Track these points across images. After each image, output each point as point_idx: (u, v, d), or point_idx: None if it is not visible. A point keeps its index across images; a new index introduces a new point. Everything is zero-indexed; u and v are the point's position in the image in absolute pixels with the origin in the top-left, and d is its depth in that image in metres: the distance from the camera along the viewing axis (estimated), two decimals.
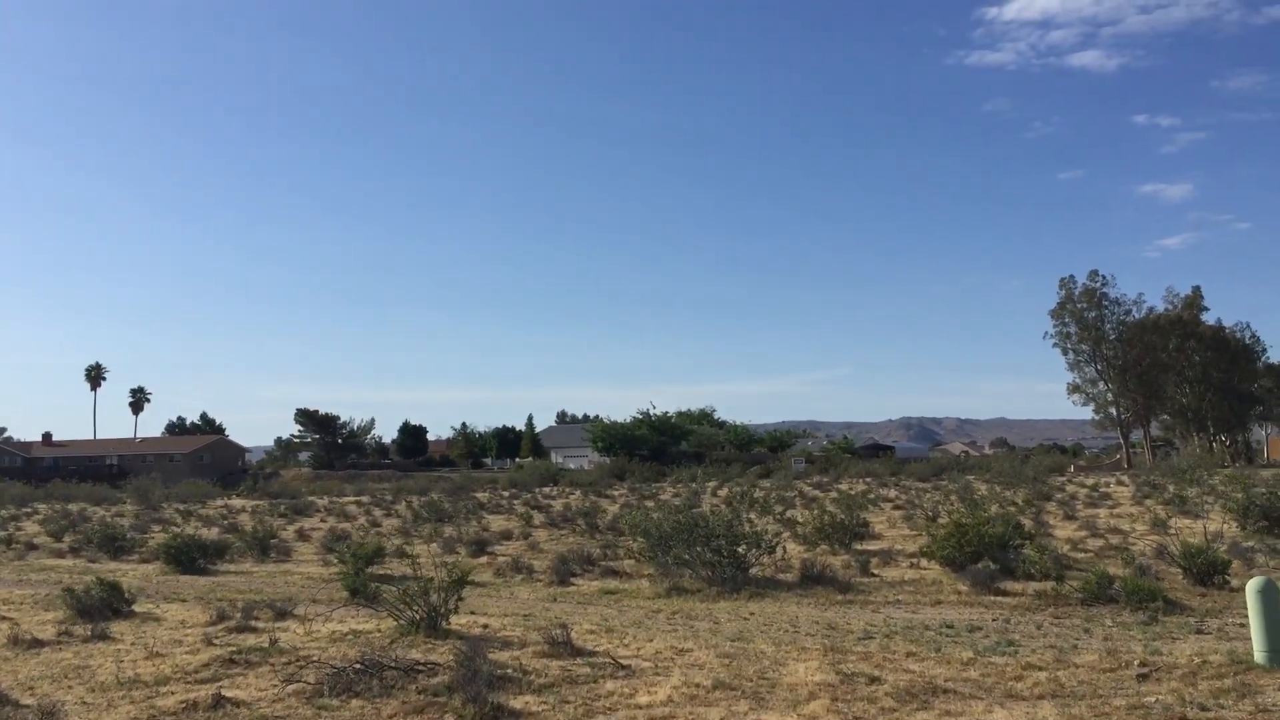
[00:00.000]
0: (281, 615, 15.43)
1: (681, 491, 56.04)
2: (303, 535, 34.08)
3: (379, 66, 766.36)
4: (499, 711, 8.77)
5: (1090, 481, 60.66)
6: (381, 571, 22.07)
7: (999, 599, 16.33)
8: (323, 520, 43.64)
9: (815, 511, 27.43)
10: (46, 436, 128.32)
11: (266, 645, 12.23)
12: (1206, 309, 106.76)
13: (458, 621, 14.03)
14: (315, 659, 11.44)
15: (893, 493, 51.13)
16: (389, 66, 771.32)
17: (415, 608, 13.22)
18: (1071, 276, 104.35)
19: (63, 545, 32.15)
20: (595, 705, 9.15)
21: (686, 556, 18.87)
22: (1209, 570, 16.52)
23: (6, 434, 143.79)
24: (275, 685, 10.12)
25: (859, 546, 24.20)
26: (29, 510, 57.66)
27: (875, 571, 20.12)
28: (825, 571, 18.94)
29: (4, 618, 16.05)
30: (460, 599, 13.58)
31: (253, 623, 14.58)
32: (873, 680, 9.85)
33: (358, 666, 10.28)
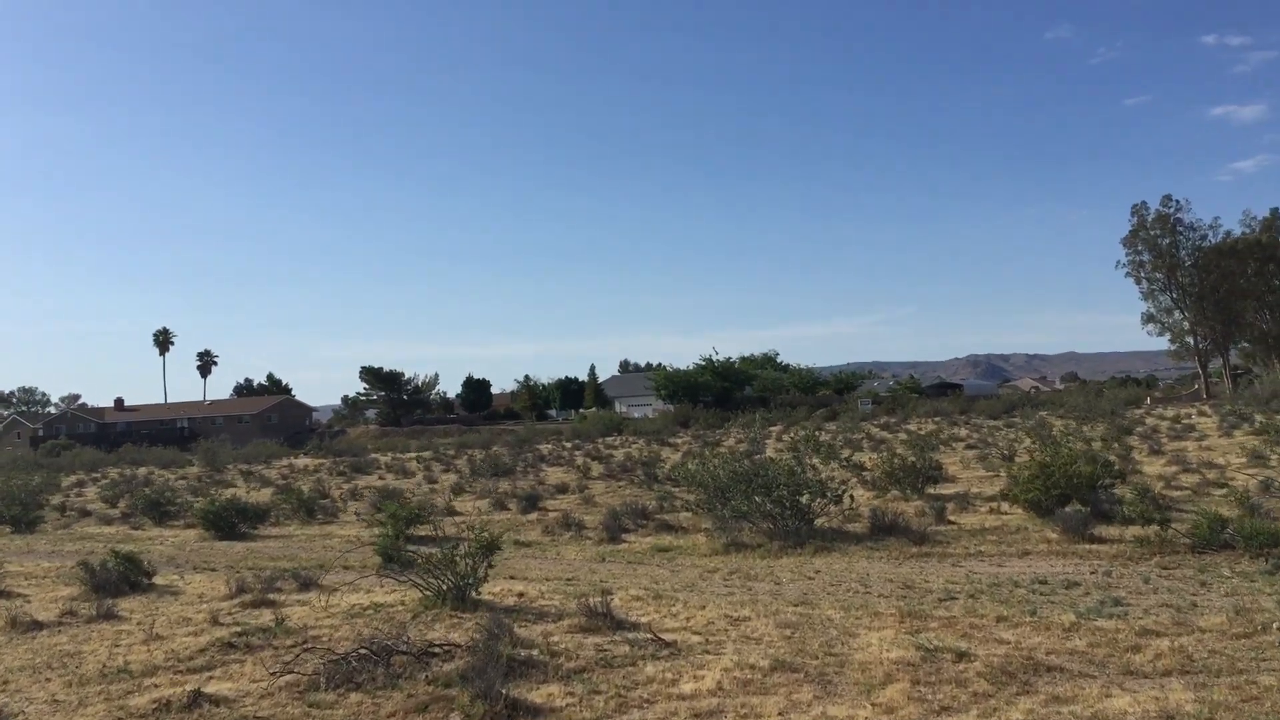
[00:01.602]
0: (305, 586, 14.27)
1: (744, 438, 54.47)
2: (355, 494, 33.17)
3: (439, 23, 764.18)
4: (514, 708, 7.39)
5: (1170, 413, 57.97)
6: (425, 532, 20.94)
7: (1095, 547, 14.64)
8: (380, 478, 42.83)
9: (884, 454, 25.72)
10: (119, 402, 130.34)
11: (273, 625, 10.99)
12: None
13: (492, 590, 12.73)
14: (322, 642, 10.20)
15: (963, 432, 49.11)
16: (449, 23, 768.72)
17: (441, 578, 11.93)
18: (1144, 203, 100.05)
19: (114, 512, 31.63)
20: (629, 697, 7.74)
21: (745, 509, 17.38)
22: None
23: (81, 401, 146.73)
24: (269, 676, 8.85)
25: (932, 491, 22.51)
26: (98, 476, 57.85)
27: (952, 519, 18.47)
28: (897, 521, 17.34)
29: (17, 594, 15.10)
30: (490, 566, 12.25)
31: (272, 595, 13.43)
32: (960, 656, 8.32)
33: (362, 652, 8.99)
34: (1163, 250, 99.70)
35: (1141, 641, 8.66)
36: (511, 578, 14.72)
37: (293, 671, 8.78)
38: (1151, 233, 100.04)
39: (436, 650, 9.26)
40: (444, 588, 11.92)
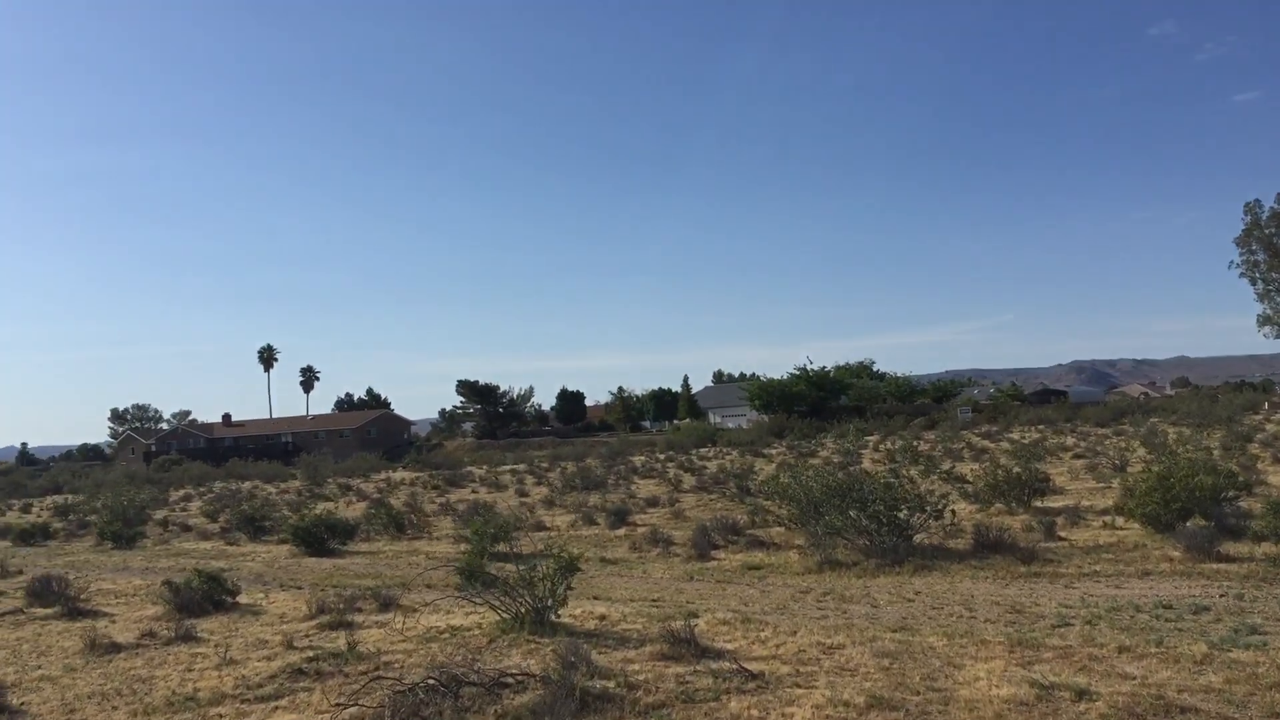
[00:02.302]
0: (385, 606, 13.90)
1: (838, 448, 53.24)
2: (447, 508, 33.05)
3: (520, 41, 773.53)
4: None
5: None
6: (515, 549, 20.55)
7: (1222, 567, 13.50)
8: (474, 491, 42.81)
9: (986, 465, 24.57)
10: (226, 418, 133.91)
11: (345, 650, 10.59)
12: None
13: (572, 612, 12.19)
14: (394, 669, 9.76)
15: (1070, 440, 47.26)
16: (528, 41, 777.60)
17: (519, 600, 11.42)
18: (1257, 200, 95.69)
19: (214, 527, 32.01)
20: None
21: (839, 524, 16.57)
22: None
23: (191, 417, 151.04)
24: (333, 708, 8.42)
25: (1039, 504, 21.34)
26: (204, 490, 59.12)
27: (1062, 534, 17.39)
28: (1003, 537, 16.31)
29: (104, 613, 15.06)
30: (570, 588, 11.69)
31: (350, 616, 13.08)
32: (1080, 694, 7.48)
33: (430, 682, 8.50)
34: (1278, 249, 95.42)
35: None
36: (595, 598, 14.18)
37: (357, 704, 8.32)
38: (1266, 231, 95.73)
39: (509, 680, 8.72)
40: (522, 610, 11.42)
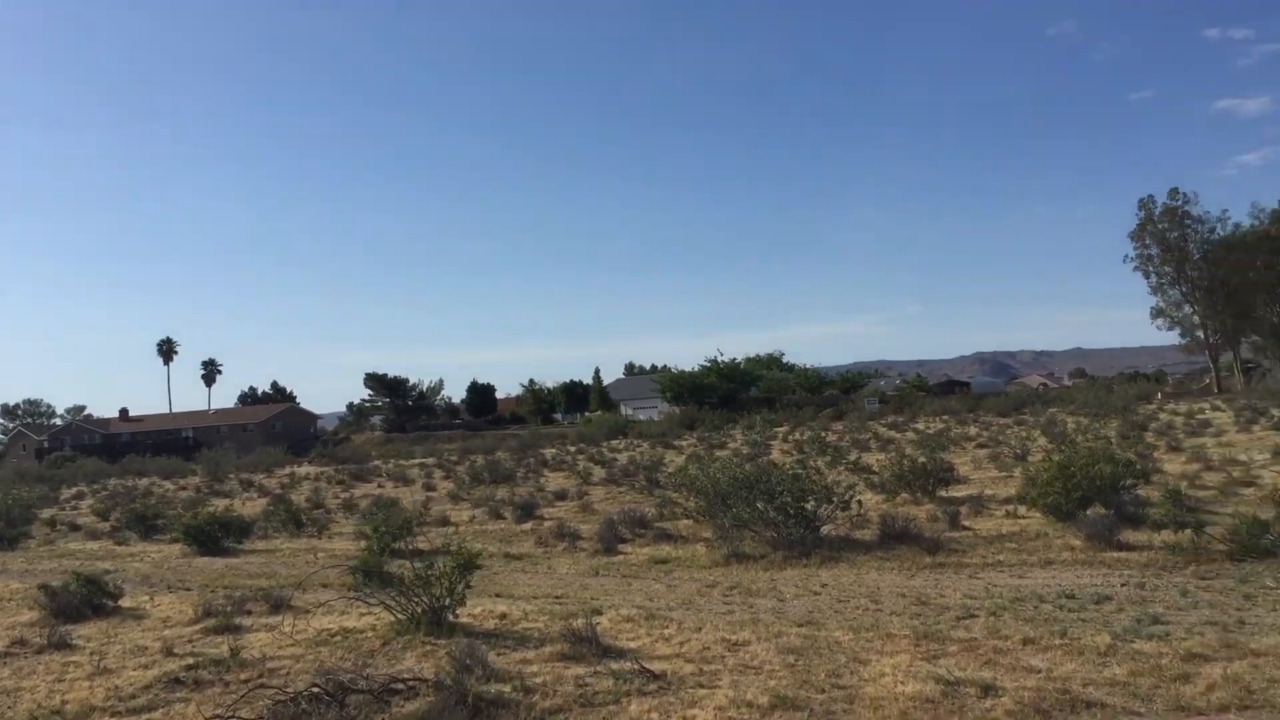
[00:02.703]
0: (277, 608, 13.29)
1: (747, 439, 53.39)
2: (349, 505, 32.23)
3: (438, 29, 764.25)
4: None
5: (1183, 408, 56.83)
6: (415, 545, 20.02)
7: (1123, 555, 13.60)
8: (379, 486, 41.93)
9: (892, 455, 24.68)
10: (123, 413, 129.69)
11: (227, 657, 10.03)
12: None
13: (472, 611, 11.79)
14: (278, 676, 9.26)
15: (973, 430, 48.05)
16: (448, 28, 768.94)
17: (415, 600, 10.97)
18: (1151, 196, 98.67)
19: (105, 526, 30.71)
20: None
21: (747, 516, 16.39)
22: None
23: (86, 412, 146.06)
24: (211, 719, 7.90)
25: (944, 493, 21.50)
26: (98, 488, 56.97)
27: (967, 524, 17.47)
28: (909, 527, 16.30)
29: None
30: (468, 587, 11.27)
31: (239, 619, 12.48)
32: (986, 690, 7.34)
33: (315, 690, 8.03)
34: (1171, 244, 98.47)
35: (1189, 669, 7.69)
36: (498, 595, 13.78)
37: (235, 716, 7.81)
38: (1159, 226, 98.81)
39: (399, 686, 8.30)
40: (418, 611, 10.98)
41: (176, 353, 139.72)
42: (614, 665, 8.71)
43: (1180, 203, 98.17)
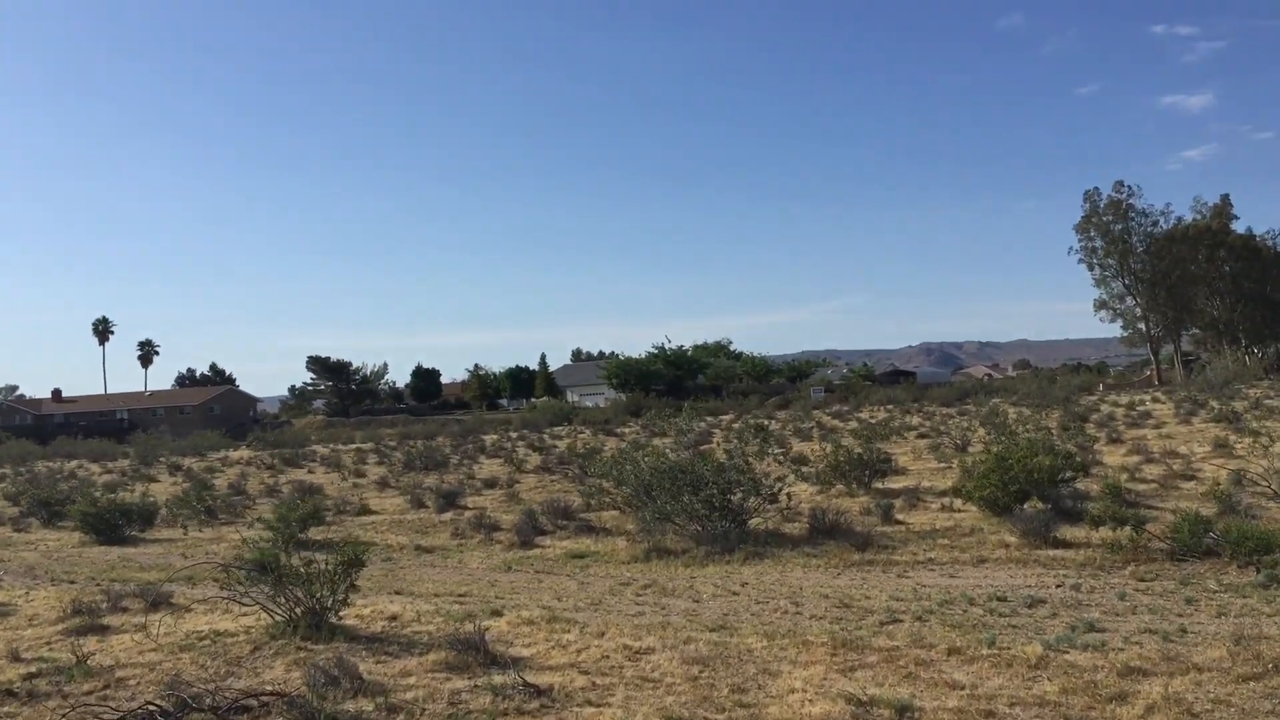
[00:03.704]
0: (156, 605, 12.28)
1: (673, 427, 52.61)
2: (273, 491, 30.99)
3: (385, 14, 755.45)
4: None
5: (1124, 400, 56.97)
6: (328, 536, 19.02)
7: (1059, 553, 12.90)
8: (309, 471, 40.64)
9: (828, 446, 23.91)
10: (56, 393, 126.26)
11: (72, 666, 8.98)
12: (1236, 218, 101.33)
13: (360, 612, 10.86)
14: (127, 686, 8.27)
15: (916, 420, 47.66)
16: (394, 14, 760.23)
17: (293, 600, 9.99)
18: (1096, 189, 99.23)
19: (14, 511, 29.23)
20: None
21: (670, 508, 15.55)
22: None
23: (19, 392, 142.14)
24: None
25: (880, 485, 20.76)
26: (22, 470, 54.91)
27: (900, 518, 16.74)
28: (839, 521, 15.55)
29: None
30: (353, 586, 10.31)
31: (108, 619, 11.44)
32: (901, 711, 6.53)
33: (153, 708, 7.07)
34: (1115, 236, 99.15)
35: (1127, 686, 6.94)
36: (397, 593, 12.85)
37: None
38: (1104, 219, 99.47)
39: (252, 704, 7.35)
40: (297, 612, 10.01)
41: (113, 333, 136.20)
42: (497, 679, 7.82)
43: (1125, 195, 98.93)
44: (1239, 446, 24.79)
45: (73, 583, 15.36)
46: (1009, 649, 8.16)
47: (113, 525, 20.53)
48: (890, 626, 9.50)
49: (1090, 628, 8.90)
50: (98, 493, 24.98)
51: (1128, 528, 12.68)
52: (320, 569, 10.09)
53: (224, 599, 11.21)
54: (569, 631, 9.69)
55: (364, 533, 19.87)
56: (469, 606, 11.38)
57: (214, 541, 19.96)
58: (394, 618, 10.74)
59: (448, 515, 21.45)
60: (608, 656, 8.63)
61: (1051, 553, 12.95)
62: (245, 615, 10.96)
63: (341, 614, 10.21)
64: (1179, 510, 13.60)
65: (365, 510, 23.67)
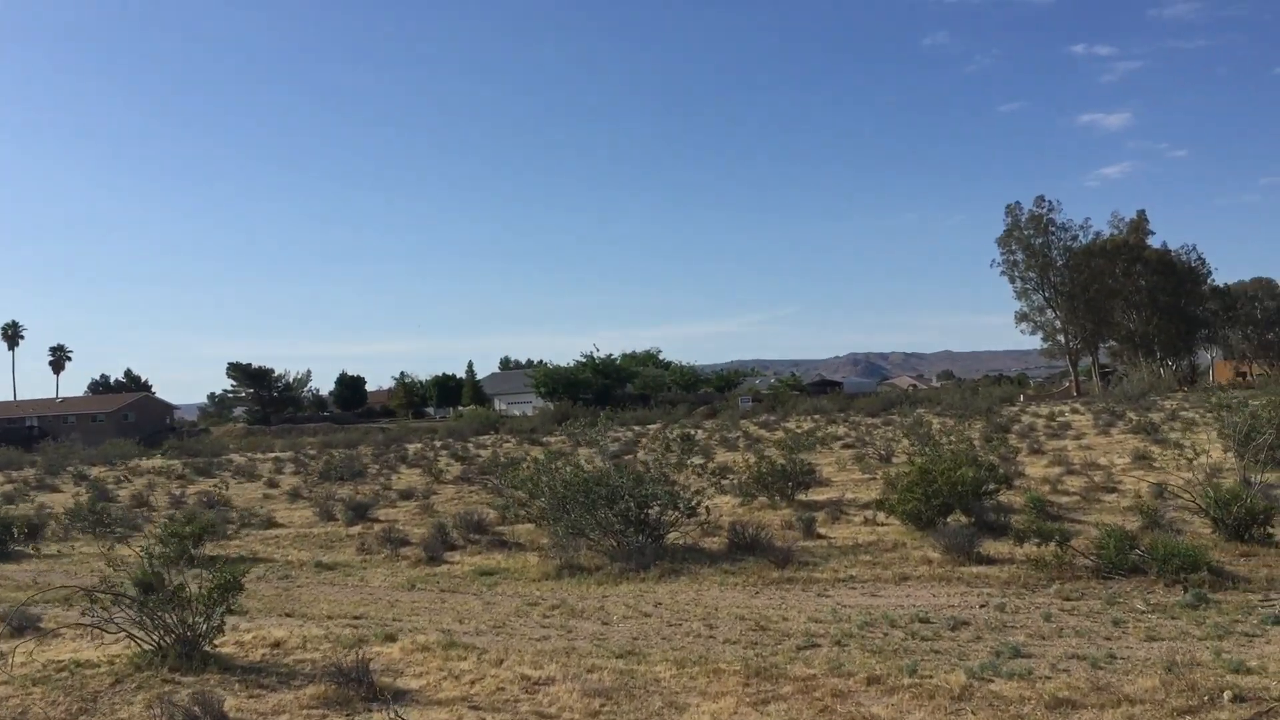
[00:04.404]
0: (20, 630, 11.32)
1: (585, 438, 51.98)
2: (178, 503, 29.68)
3: (310, 16, 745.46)
4: None
5: (1045, 411, 57.58)
6: (224, 550, 18.03)
7: (982, 570, 12.45)
8: (220, 482, 39.22)
9: (750, 457, 23.38)
10: None
11: None
12: (1152, 233, 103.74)
13: (241, 639, 10.04)
14: None
15: (842, 430, 47.56)
16: (318, 16, 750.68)
17: (161, 627, 9.13)
18: (1018, 203, 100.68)
19: None
20: None
21: (583, 523, 14.86)
22: (1247, 521, 12.83)
23: None
24: None
25: (803, 497, 20.28)
26: None
27: (822, 531, 16.26)
28: (759, 536, 14.98)
29: None
30: (229, 611, 9.49)
31: None
32: None
33: None
34: (1036, 250, 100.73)
35: (1054, 718, 6.45)
36: (288, 614, 12.04)
37: None
38: (1025, 232, 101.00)
39: None
40: (167, 640, 9.16)
41: (22, 338, 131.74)
42: (377, 717, 7.10)
43: (1045, 210, 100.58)
44: (1159, 458, 24.82)
45: None
46: (931, 678, 7.64)
47: None
48: (808, 652, 8.94)
49: (1015, 653, 8.43)
50: (6, 503, 23.54)
51: (1052, 544, 12.27)
52: (194, 592, 9.26)
53: (87, 626, 10.27)
54: (465, 659, 8.99)
55: (265, 547, 18.93)
56: (363, 630, 10.61)
57: (100, 557, 18.81)
58: (277, 644, 9.92)
59: (356, 529, 20.55)
60: (503, 689, 7.95)
61: (975, 569, 12.51)
62: (116, 643, 10.06)
63: (217, 641, 9.38)
64: (1102, 524, 13.28)
65: (271, 523, 22.66)
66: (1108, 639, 8.89)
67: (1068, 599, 10.65)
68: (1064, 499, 18.41)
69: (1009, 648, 8.58)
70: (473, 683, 8.18)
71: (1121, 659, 8.13)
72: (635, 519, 14.55)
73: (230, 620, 11.15)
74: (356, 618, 11.74)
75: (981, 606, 10.58)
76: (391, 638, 10.02)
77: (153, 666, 8.95)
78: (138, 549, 15.35)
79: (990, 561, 12.89)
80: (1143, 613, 9.82)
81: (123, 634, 9.51)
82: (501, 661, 8.85)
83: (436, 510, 22.99)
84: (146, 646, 9.23)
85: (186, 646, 9.10)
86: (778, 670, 8.14)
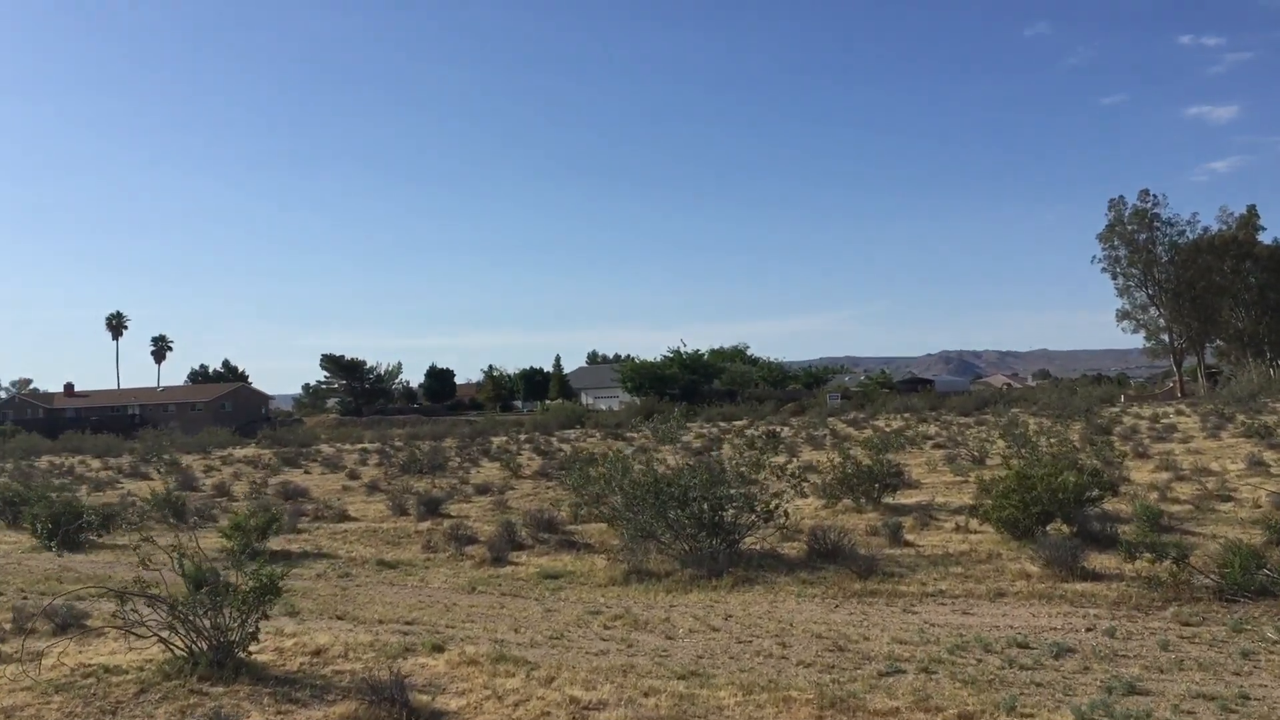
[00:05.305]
0: (64, 627, 10.94)
1: (649, 435, 51.13)
2: (257, 491, 29.65)
3: (403, 17, 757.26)
4: None
5: (1148, 412, 55.12)
6: (290, 545, 17.69)
7: (1088, 587, 11.34)
8: (306, 472, 39.40)
9: (835, 456, 22.21)
10: (69, 387, 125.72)
11: None
12: (1263, 229, 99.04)
13: (282, 645, 9.47)
14: None
15: (933, 429, 46.00)
16: (415, 17, 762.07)
17: (191, 632, 8.57)
18: (1121, 197, 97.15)
19: None
20: None
21: (652, 526, 14.06)
22: None
23: (32, 386, 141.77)
24: None
25: (891, 500, 19.15)
26: (26, 464, 53.87)
27: (910, 538, 15.22)
28: (841, 543, 14.00)
29: None
30: (265, 616, 8.90)
31: (4, 645, 10.09)
32: None
33: None
34: (1139, 245, 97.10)
35: None
36: (339, 617, 11.46)
37: None
38: (1128, 228, 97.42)
39: None
40: (199, 646, 8.60)
41: (126, 328, 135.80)
42: None
43: (1150, 204, 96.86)
44: (1276, 465, 23.18)
45: (1, 595, 14.05)
46: (1033, 716, 6.68)
47: (63, 529, 19.11)
48: (890, 679, 8.01)
49: (1130, 689, 7.40)
50: (53, 493, 23.56)
51: (1167, 560, 11.08)
52: (235, 596, 8.68)
53: (119, 630, 9.76)
54: (514, 675, 8.25)
55: (332, 542, 18.51)
56: (411, 638, 9.95)
57: (172, 549, 18.55)
58: (318, 652, 9.31)
59: (426, 524, 20.04)
60: (549, 713, 7.20)
61: (1079, 586, 11.40)
62: (151, 645, 9.55)
63: (253, 648, 8.80)
64: (1221, 538, 12.08)
65: (344, 516, 22.31)
66: (1236, 674, 7.80)
67: (1187, 624, 9.53)
68: (1175, 508, 17.06)
69: (1122, 683, 7.54)
70: (516, 704, 7.44)
71: (1255, 699, 7.06)
72: (709, 522, 13.71)
73: (279, 623, 10.66)
74: (409, 623, 11.11)
75: (1088, 630, 9.51)
76: (439, 648, 9.32)
77: (182, 675, 8.39)
78: (169, 546, 15.01)
79: (1096, 578, 11.76)
80: (1275, 643, 8.67)
81: (154, 637, 9.02)
82: (551, 680, 8.09)
83: (510, 506, 22.41)
84: (179, 652, 8.69)
85: (219, 654, 8.53)
86: (856, 701, 7.25)
